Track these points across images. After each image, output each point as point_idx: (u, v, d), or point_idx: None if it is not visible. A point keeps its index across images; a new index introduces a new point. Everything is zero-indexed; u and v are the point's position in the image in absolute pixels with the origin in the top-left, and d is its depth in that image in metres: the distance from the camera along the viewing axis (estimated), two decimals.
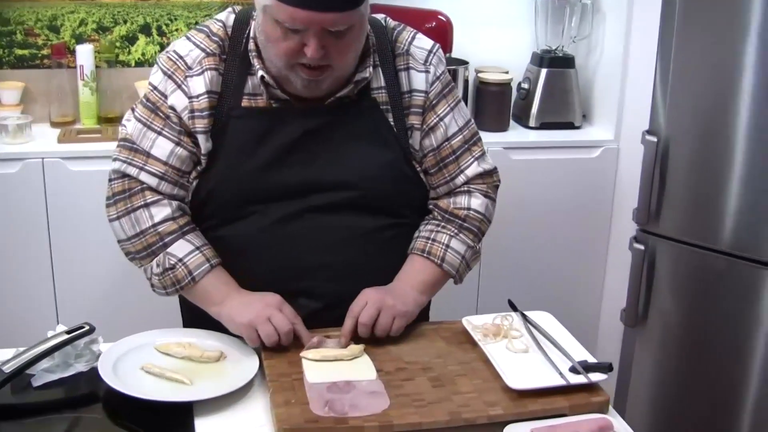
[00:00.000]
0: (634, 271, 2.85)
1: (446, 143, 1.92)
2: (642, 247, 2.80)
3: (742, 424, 2.65)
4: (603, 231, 3.20)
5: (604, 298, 3.26)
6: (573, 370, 1.63)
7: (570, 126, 3.23)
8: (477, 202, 1.93)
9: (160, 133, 1.83)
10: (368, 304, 1.75)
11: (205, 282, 1.80)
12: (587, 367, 1.63)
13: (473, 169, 1.94)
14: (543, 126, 3.21)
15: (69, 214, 2.79)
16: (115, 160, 1.86)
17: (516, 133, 3.20)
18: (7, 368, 1.61)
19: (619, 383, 2.98)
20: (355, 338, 1.75)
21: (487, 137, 3.04)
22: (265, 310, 1.71)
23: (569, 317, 3.10)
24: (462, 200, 1.93)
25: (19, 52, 3.05)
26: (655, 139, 2.70)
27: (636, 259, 2.83)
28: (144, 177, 1.82)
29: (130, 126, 1.86)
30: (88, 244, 2.79)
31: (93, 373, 1.66)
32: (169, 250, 1.80)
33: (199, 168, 1.85)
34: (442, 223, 1.92)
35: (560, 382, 1.59)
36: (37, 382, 1.67)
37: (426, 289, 1.87)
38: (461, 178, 1.93)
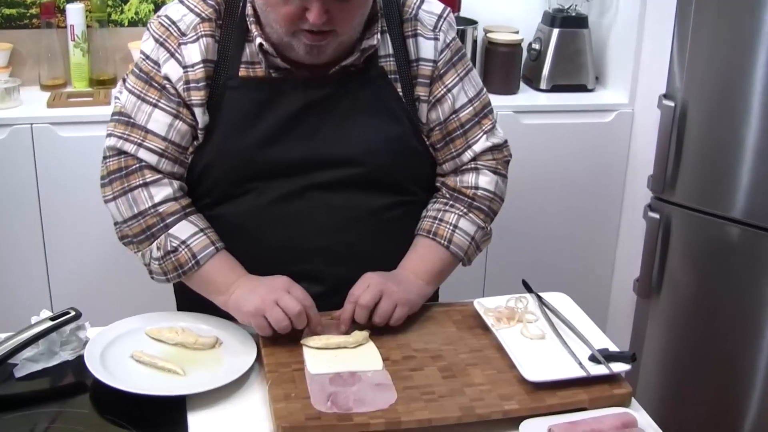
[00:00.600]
0: (648, 240, 2.78)
1: (454, 116, 1.79)
2: (657, 216, 2.74)
3: (755, 398, 2.58)
4: (616, 199, 3.10)
5: (617, 268, 3.17)
6: (593, 359, 1.53)
7: (582, 89, 3.12)
8: (485, 179, 1.81)
9: (156, 106, 1.70)
10: (369, 287, 1.63)
11: (209, 267, 1.67)
12: (608, 356, 1.52)
13: (481, 144, 1.81)
14: (554, 89, 3.10)
15: (60, 182, 2.68)
16: (109, 135, 1.73)
17: (526, 96, 3.09)
18: None
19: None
20: (356, 325, 1.64)
21: (495, 100, 2.92)
22: (271, 294, 1.58)
23: (580, 288, 3.05)
24: (469, 178, 1.81)
25: (7, 11, 2.91)
26: (672, 104, 2.63)
27: (650, 228, 2.76)
28: (143, 154, 1.69)
29: (123, 98, 1.74)
30: (80, 215, 2.68)
31: (80, 362, 1.56)
32: (171, 231, 1.68)
33: (195, 143, 1.73)
34: (450, 202, 1.80)
35: (580, 373, 1.49)
36: (19, 373, 1.56)
37: (432, 278, 1.75)
38: (468, 154, 1.81)
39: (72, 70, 2.93)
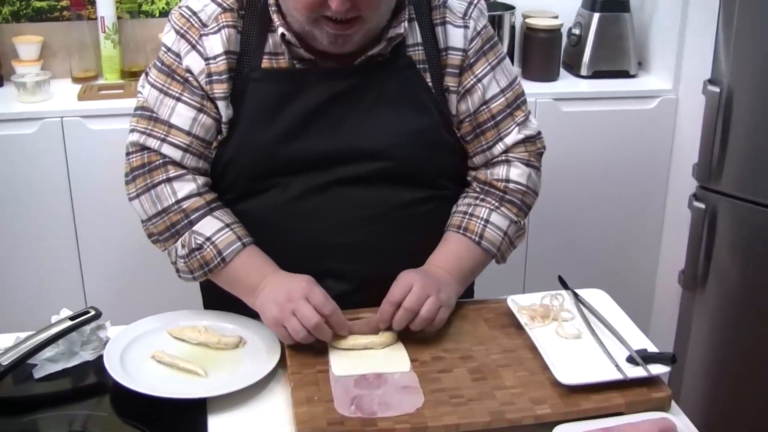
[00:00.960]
0: (693, 230, 2.72)
1: (484, 107, 1.72)
2: (702, 206, 2.67)
3: None
4: (660, 188, 3.00)
5: (661, 260, 3.08)
6: (630, 360, 1.45)
7: (625, 75, 3.03)
8: (517, 172, 1.73)
9: (179, 99, 1.65)
10: (414, 288, 1.53)
11: (236, 264, 1.61)
12: (647, 358, 1.45)
13: (513, 137, 1.73)
14: (595, 75, 3.01)
15: (91, 176, 2.65)
16: (132, 131, 1.69)
17: (566, 83, 3.01)
18: (6, 360, 1.47)
19: (677, 349, 2.85)
20: None
21: (535, 87, 2.89)
22: (288, 304, 1.50)
23: (624, 280, 3.00)
24: (500, 171, 1.73)
25: (37, 4, 2.89)
26: (717, 90, 2.56)
27: (696, 218, 2.69)
28: (166, 150, 1.64)
29: (145, 92, 1.69)
30: (113, 209, 2.64)
31: (100, 363, 1.51)
32: (195, 228, 1.62)
33: (219, 137, 1.67)
34: (481, 196, 1.73)
35: (617, 376, 1.41)
36: (39, 374, 1.53)
37: (463, 277, 1.67)
38: (500, 147, 1.74)
39: (103, 62, 2.90)
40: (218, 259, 1.61)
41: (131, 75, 2.91)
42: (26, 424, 1.43)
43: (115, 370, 1.47)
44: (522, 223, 1.74)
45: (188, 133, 1.64)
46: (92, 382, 1.55)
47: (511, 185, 1.72)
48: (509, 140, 1.73)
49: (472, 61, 1.70)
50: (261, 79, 1.64)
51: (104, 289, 2.75)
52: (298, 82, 1.64)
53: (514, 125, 1.73)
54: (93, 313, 1.57)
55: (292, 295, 1.51)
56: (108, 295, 2.74)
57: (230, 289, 1.65)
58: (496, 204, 1.71)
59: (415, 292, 1.53)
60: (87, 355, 1.57)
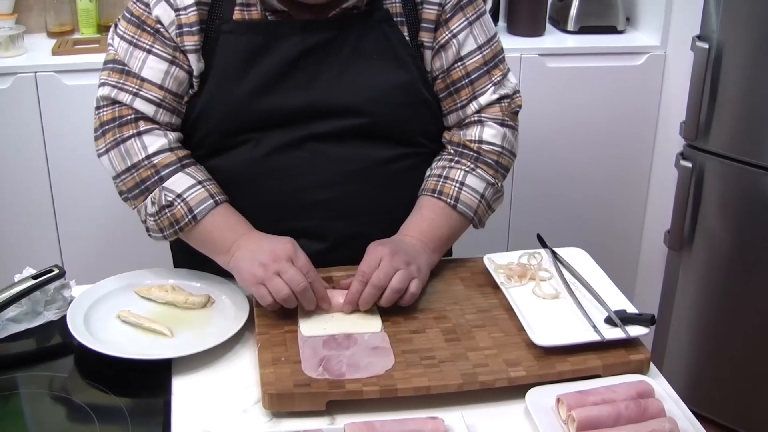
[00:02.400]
0: (680, 190, 2.69)
1: (459, 64, 1.66)
2: (689, 165, 2.65)
3: None
4: (647, 146, 2.97)
5: (647, 220, 3.05)
6: (609, 321, 1.41)
7: (612, 30, 2.98)
8: (491, 132, 1.67)
9: (150, 52, 1.58)
10: (383, 263, 1.46)
11: (208, 223, 1.54)
12: (625, 319, 1.41)
13: (488, 97, 1.67)
14: (582, 30, 2.97)
15: (66, 132, 2.60)
16: (103, 84, 1.62)
17: (553, 38, 2.96)
18: None
19: (661, 309, 2.82)
20: None
21: (520, 43, 2.85)
22: (273, 264, 1.43)
23: (610, 240, 2.97)
24: (473, 132, 1.67)
25: None
26: (706, 46, 2.52)
27: (682, 177, 2.67)
28: (139, 104, 1.58)
29: (115, 44, 1.62)
30: (88, 166, 2.58)
31: (64, 323, 1.47)
32: (165, 184, 1.55)
33: (191, 92, 1.62)
34: (456, 158, 1.67)
35: (594, 337, 1.37)
36: (1, 334, 1.49)
37: (438, 245, 1.61)
38: (473, 107, 1.67)
39: (79, 16, 2.84)
40: (189, 217, 1.54)
41: (107, 29, 2.75)
42: None
43: (78, 330, 1.43)
44: (500, 185, 1.68)
45: (161, 87, 1.58)
46: (56, 342, 1.51)
47: (485, 146, 1.66)
48: (483, 100, 1.67)
49: (448, 15, 1.64)
50: (232, 32, 1.58)
51: (80, 248, 2.71)
52: (270, 34, 1.58)
53: (490, 84, 1.67)
54: (57, 271, 1.53)
55: (276, 256, 1.45)
56: (84, 254, 2.70)
57: (201, 249, 1.59)
58: (471, 166, 1.65)
59: (383, 268, 1.46)
60: (51, 315, 1.54)
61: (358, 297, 1.46)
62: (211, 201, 1.55)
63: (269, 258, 1.45)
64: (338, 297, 1.48)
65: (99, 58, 2.52)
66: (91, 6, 2.82)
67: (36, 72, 2.55)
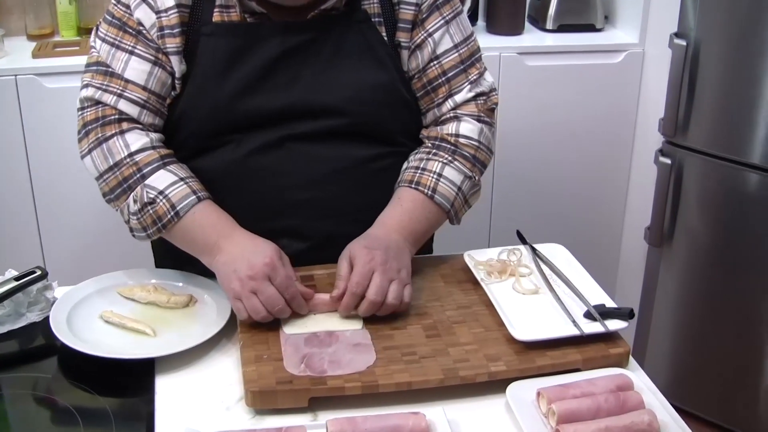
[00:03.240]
0: (659, 186, 2.71)
1: (435, 63, 1.66)
2: (668, 161, 2.66)
3: None
4: (626, 143, 2.99)
5: (627, 216, 3.07)
6: (588, 315, 1.43)
7: (591, 28, 3.00)
8: (468, 127, 1.67)
9: (132, 53, 1.58)
10: (376, 276, 1.44)
11: (190, 220, 1.53)
12: (605, 313, 1.42)
13: (463, 95, 1.68)
14: (561, 29, 2.98)
15: (47, 134, 2.60)
16: (87, 86, 1.61)
17: (531, 37, 2.97)
18: None
19: (643, 305, 2.84)
20: None
21: (499, 41, 2.86)
22: (250, 282, 1.42)
23: (590, 236, 2.99)
24: (450, 127, 1.68)
25: None
26: (684, 43, 2.53)
27: (662, 173, 2.69)
28: (123, 106, 1.57)
29: (98, 46, 1.62)
30: (70, 167, 2.59)
31: (47, 324, 1.47)
32: (147, 181, 1.55)
33: (173, 93, 1.62)
34: (434, 151, 1.67)
35: (573, 331, 1.39)
36: None
37: (417, 239, 1.61)
38: (448, 104, 1.68)
39: (59, 19, 2.84)
40: (171, 214, 1.53)
41: (88, 32, 2.82)
42: None
43: (61, 331, 1.43)
44: (477, 179, 1.68)
45: (144, 88, 1.58)
46: (40, 343, 1.52)
47: (462, 140, 1.66)
48: (459, 98, 1.67)
49: (425, 15, 1.65)
50: (212, 34, 1.58)
51: (62, 250, 2.71)
52: (250, 36, 1.59)
53: (466, 83, 1.68)
54: (39, 273, 1.53)
55: (254, 273, 1.43)
56: (66, 255, 2.70)
57: (185, 247, 1.58)
58: (449, 158, 1.65)
59: (377, 282, 1.44)
60: (34, 317, 1.54)
61: (351, 309, 1.45)
62: (194, 197, 1.54)
63: (246, 274, 1.43)
64: (324, 298, 1.48)
65: (79, 61, 2.53)
66: (71, 9, 2.82)
67: (16, 75, 2.55)
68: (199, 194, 1.55)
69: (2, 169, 2.62)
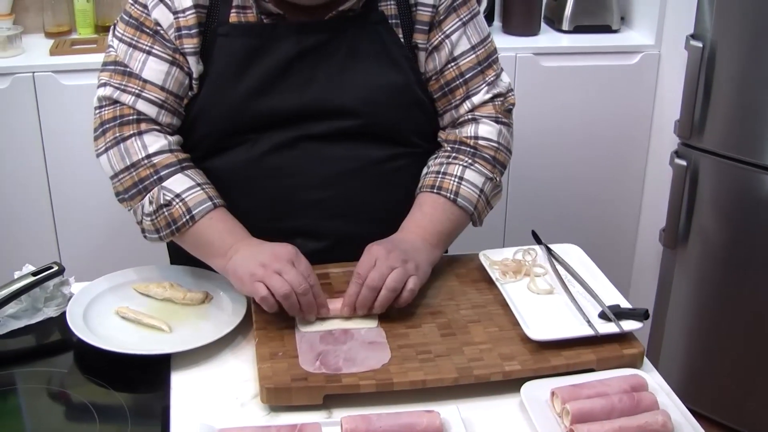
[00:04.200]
0: (674, 188, 2.70)
1: (452, 64, 1.66)
2: (684, 163, 2.65)
3: None
4: (642, 145, 2.98)
5: (642, 218, 3.06)
6: (603, 316, 1.43)
7: (607, 29, 2.99)
8: (486, 129, 1.67)
9: (149, 53, 1.58)
10: (378, 263, 1.44)
11: (205, 225, 1.52)
12: (619, 314, 1.42)
13: (481, 96, 1.67)
14: (577, 29, 2.97)
15: (64, 131, 2.61)
16: (105, 85, 1.61)
17: (547, 38, 2.97)
18: None
19: (657, 307, 2.83)
20: None
21: (515, 42, 2.86)
22: (274, 263, 1.41)
23: (605, 238, 2.98)
24: (469, 129, 1.68)
25: None
26: (700, 45, 2.52)
27: (677, 175, 2.68)
28: (141, 106, 1.57)
29: (116, 46, 1.62)
30: (86, 164, 2.59)
31: (63, 319, 1.48)
32: (164, 184, 1.53)
33: (190, 94, 1.62)
34: (453, 154, 1.66)
35: (588, 332, 1.39)
36: (1, 330, 1.50)
37: (440, 240, 1.60)
38: (466, 106, 1.68)
39: (76, 16, 2.85)
40: (187, 217, 1.53)
41: (105, 29, 2.85)
42: None
43: (77, 326, 1.44)
44: (498, 180, 1.68)
45: (162, 88, 1.58)
46: (56, 338, 1.53)
47: (481, 142, 1.66)
48: (476, 99, 1.67)
49: (442, 17, 1.64)
50: (228, 34, 1.58)
51: (78, 247, 2.72)
52: (266, 37, 1.59)
53: (483, 84, 1.67)
54: (56, 268, 1.54)
55: (278, 256, 1.43)
56: (82, 252, 2.71)
57: (196, 252, 1.57)
58: (469, 161, 1.64)
59: (378, 268, 1.44)
60: (50, 312, 1.55)
61: (355, 299, 1.44)
62: (210, 203, 1.54)
63: (270, 258, 1.43)
64: (336, 303, 1.46)
65: (96, 59, 2.56)
66: (88, 6, 2.83)
67: (34, 72, 2.56)
68: (215, 201, 1.55)
69: (19, 166, 2.63)
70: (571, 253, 1.64)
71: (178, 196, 1.53)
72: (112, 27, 1.65)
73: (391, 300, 1.44)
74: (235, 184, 1.62)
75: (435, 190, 1.62)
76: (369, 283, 1.43)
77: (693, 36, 2.54)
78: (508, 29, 2.93)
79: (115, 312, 1.51)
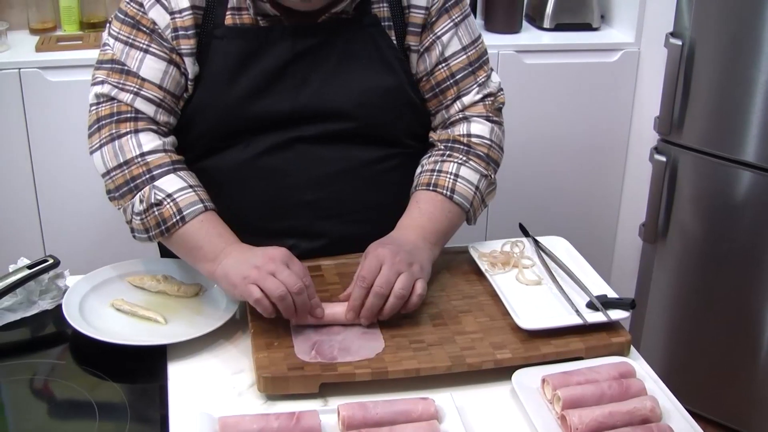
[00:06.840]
0: (654, 183, 2.74)
1: (443, 65, 1.68)
2: (663, 159, 2.69)
3: (766, 347, 2.52)
4: (622, 141, 3.02)
5: (622, 213, 3.10)
6: (590, 305, 1.46)
7: (587, 27, 3.02)
8: (479, 127, 1.69)
9: (147, 51, 1.58)
10: (384, 267, 1.42)
11: (195, 227, 1.50)
12: (607, 303, 1.46)
13: (471, 97, 1.69)
14: (558, 27, 3.00)
15: (50, 127, 2.62)
16: (102, 83, 1.60)
17: (529, 35, 2.99)
18: None
19: (637, 301, 2.84)
20: None
21: (497, 39, 2.88)
22: (269, 265, 1.39)
23: (585, 233, 3.02)
24: (461, 128, 1.69)
25: None
26: (679, 43, 2.56)
27: (656, 171, 2.71)
28: (139, 104, 1.57)
29: (111, 44, 1.61)
30: (72, 160, 2.62)
31: (59, 312, 1.49)
32: (156, 183, 1.52)
33: (185, 95, 1.62)
34: (447, 152, 1.68)
35: (576, 321, 1.42)
36: None
37: (438, 239, 1.59)
38: (456, 106, 1.70)
39: (62, 13, 2.85)
40: (177, 218, 1.50)
41: (90, 26, 2.86)
42: None
43: (74, 318, 1.46)
44: (492, 177, 1.69)
45: (160, 87, 1.58)
46: (51, 331, 1.54)
47: (474, 139, 1.67)
48: (467, 100, 1.69)
49: (434, 18, 1.66)
50: (224, 36, 1.59)
51: (63, 240, 2.72)
52: (261, 39, 1.60)
53: (475, 85, 1.69)
54: (51, 261, 1.56)
55: (272, 258, 1.41)
56: (68, 248, 2.71)
57: (184, 255, 1.55)
58: (463, 158, 1.65)
59: (385, 273, 1.42)
60: (46, 304, 1.56)
61: (360, 304, 1.42)
62: (201, 205, 1.52)
63: (263, 260, 1.41)
64: (336, 308, 1.44)
65: (82, 55, 2.59)
66: (74, 3, 2.83)
67: (20, 68, 2.57)
68: (206, 204, 1.53)
69: (5, 162, 2.64)
70: (558, 245, 1.67)
71: (169, 195, 1.52)
72: (107, 25, 1.65)
73: (400, 307, 1.43)
74: (230, 184, 1.63)
75: (431, 188, 1.63)
76: (377, 291, 1.41)
77: (672, 34, 2.58)
78: (490, 27, 2.96)
79: (111, 304, 1.52)
